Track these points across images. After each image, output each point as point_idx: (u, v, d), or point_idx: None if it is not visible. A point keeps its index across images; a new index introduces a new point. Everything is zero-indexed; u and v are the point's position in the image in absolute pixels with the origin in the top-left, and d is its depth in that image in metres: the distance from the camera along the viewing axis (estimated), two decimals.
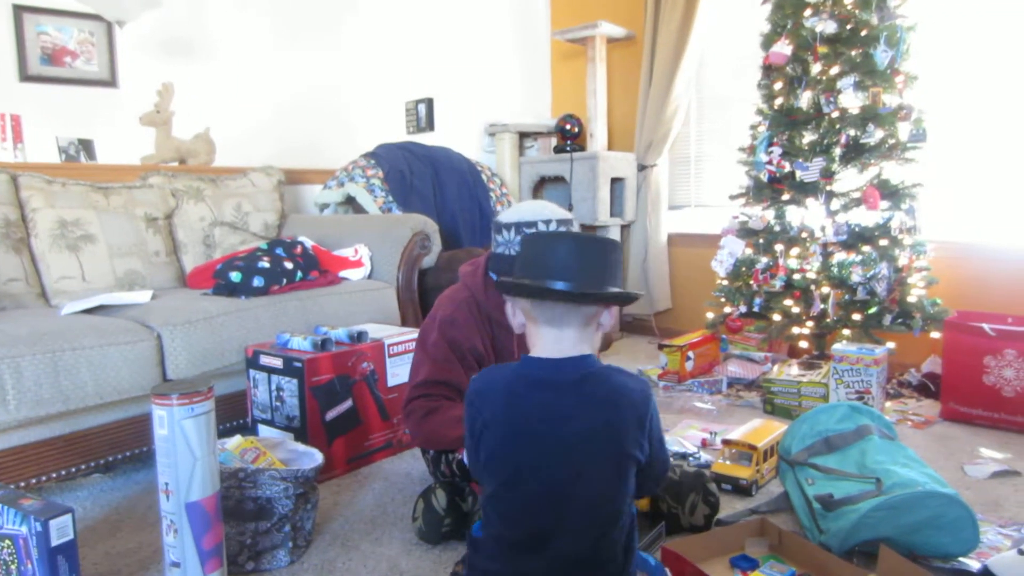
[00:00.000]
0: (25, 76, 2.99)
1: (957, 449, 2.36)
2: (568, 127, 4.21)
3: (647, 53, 4.04)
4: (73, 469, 2.02)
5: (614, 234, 4.13)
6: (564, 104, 4.59)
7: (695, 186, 4.15)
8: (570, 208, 4.03)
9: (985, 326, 2.55)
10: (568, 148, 4.17)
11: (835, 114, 2.91)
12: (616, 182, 4.12)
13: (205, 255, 2.92)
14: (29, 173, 2.63)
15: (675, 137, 4.06)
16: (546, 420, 1.21)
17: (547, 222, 1.68)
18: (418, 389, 1.87)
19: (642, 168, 4.14)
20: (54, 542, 1.39)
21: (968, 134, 3.09)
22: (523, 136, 4.43)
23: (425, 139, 3.98)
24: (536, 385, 1.24)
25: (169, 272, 2.81)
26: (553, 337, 1.25)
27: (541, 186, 4.40)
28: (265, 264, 2.54)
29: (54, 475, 1.98)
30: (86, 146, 3.03)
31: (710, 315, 3.32)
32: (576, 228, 1.77)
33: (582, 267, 1.22)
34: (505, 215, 1.76)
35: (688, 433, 2.52)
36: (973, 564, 1.53)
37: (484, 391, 1.28)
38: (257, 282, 2.47)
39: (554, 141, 4.35)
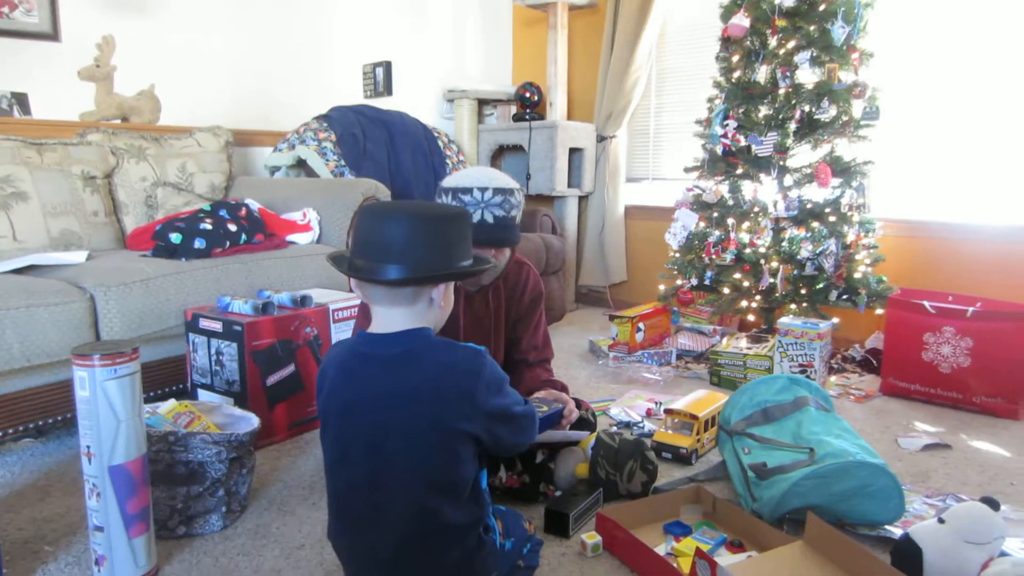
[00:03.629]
0: None
1: (893, 422, 2.41)
2: (528, 95, 4.16)
3: (609, 22, 4.00)
4: (0, 434, 1.95)
5: (571, 205, 4.11)
6: (525, 72, 4.53)
7: (653, 159, 4.15)
8: (528, 177, 4.00)
9: (925, 303, 2.60)
10: (528, 117, 4.13)
11: (790, 89, 2.91)
12: (575, 152, 4.09)
13: (147, 216, 2.83)
14: None
15: (635, 109, 4.04)
16: (369, 395, 1.20)
17: (483, 189, 1.64)
18: None
19: (601, 139, 4.11)
20: None
21: (919, 114, 3.13)
22: (483, 103, 4.37)
23: (383, 103, 3.89)
24: (364, 360, 1.24)
25: (108, 233, 2.72)
26: (383, 314, 1.25)
27: (500, 154, 4.36)
28: (207, 226, 2.46)
29: None
30: (20, 100, 2.89)
31: (662, 287, 3.33)
32: (520, 198, 1.72)
33: (416, 247, 1.19)
34: (447, 180, 1.73)
35: (635, 403, 2.54)
36: (896, 532, 1.57)
37: (325, 367, 1.29)
38: (198, 244, 2.40)
39: (514, 109, 4.30)
